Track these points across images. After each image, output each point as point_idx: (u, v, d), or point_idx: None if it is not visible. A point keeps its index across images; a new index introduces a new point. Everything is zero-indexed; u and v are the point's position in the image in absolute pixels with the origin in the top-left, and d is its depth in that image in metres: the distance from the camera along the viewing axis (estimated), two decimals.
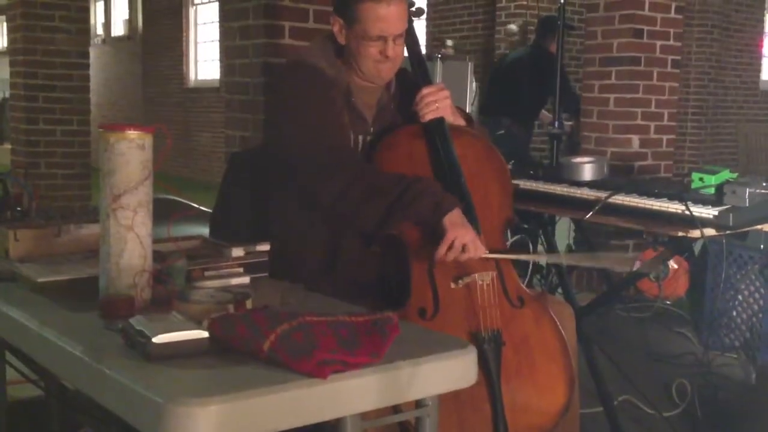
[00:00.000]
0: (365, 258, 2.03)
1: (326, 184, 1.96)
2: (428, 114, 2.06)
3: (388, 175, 1.96)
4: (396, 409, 1.52)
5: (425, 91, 2.07)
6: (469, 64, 4.79)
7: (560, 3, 4.11)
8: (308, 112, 2.03)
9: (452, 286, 1.92)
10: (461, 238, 1.85)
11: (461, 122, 2.14)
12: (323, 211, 2.00)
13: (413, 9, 2.14)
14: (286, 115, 2.10)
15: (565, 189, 2.63)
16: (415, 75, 2.15)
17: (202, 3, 11.87)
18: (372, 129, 2.12)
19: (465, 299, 1.92)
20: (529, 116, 5.72)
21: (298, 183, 2.04)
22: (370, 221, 1.93)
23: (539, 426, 1.94)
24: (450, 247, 1.85)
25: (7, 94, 8.52)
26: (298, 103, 2.06)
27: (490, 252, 1.93)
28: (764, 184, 2.28)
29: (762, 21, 10.49)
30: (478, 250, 1.88)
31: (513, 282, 2.00)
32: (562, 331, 1.99)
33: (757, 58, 10.49)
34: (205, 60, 11.91)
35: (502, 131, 5.16)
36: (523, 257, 2.08)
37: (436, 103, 2.06)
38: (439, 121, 2.06)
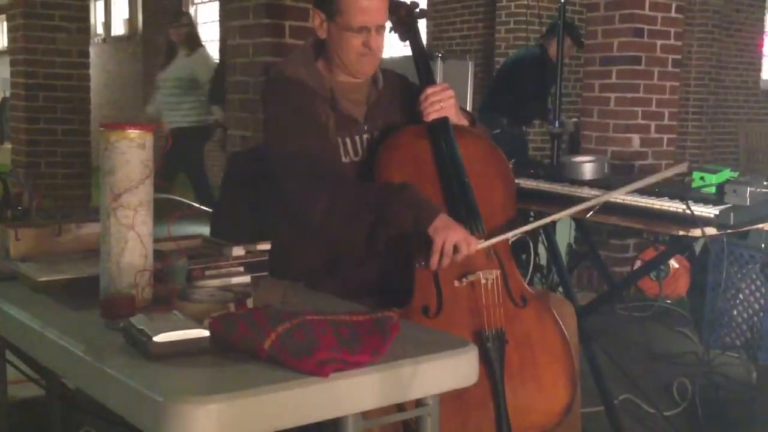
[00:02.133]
0: (367, 257, 2.03)
1: (311, 211, 1.94)
2: (432, 113, 2.05)
3: (367, 193, 1.94)
4: (398, 408, 1.52)
5: (429, 90, 2.07)
6: (470, 63, 4.78)
7: (560, 2, 4.11)
8: (289, 132, 2.02)
9: (456, 284, 1.92)
10: (450, 240, 1.83)
11: (465, 122, 2.14)
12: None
13: (417, 11, 2.16)
14: (269, 135, 2.11)
15: (566, 188, 2.62)
16: (419, 74, 2.15)
17: (203, 2, 11.86)
18: (366, 127, 2.11)
19: (469, 297, 1.92)
20: (526, 117, 5.71)
21: (287, 206, 2.04)
22: (358, 242, 1.91)
23: (542, 425, 1.94)
24: (442, 253, 1.84)
25: (8, 94, 8.53)
26: (279, 123, 2.06)
27: (487, 239, 1.92)
28: (765, 183, 2.26)
29: (762, 20, 10.49)
30: (471, 245, 1.85)
31: (516, 280, 1.99)
32: (564, 330, 1.99)
33: (758, 57, 10.49)
34: None
35: (498, 130, 5.15)
36: (521, 230, 2.01)
37: (441, 103, 2.06)
38: (443, 121, 2.05)
